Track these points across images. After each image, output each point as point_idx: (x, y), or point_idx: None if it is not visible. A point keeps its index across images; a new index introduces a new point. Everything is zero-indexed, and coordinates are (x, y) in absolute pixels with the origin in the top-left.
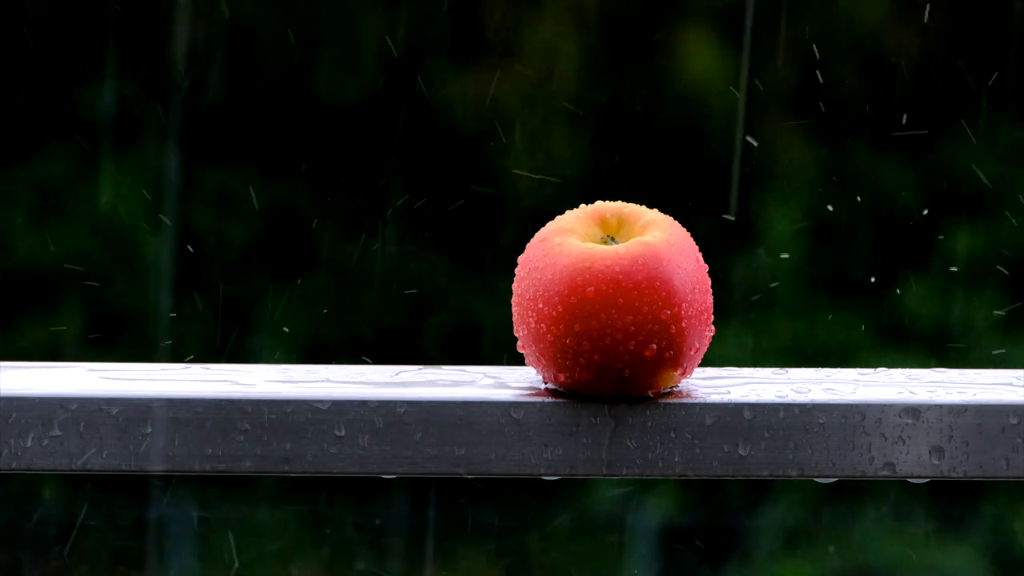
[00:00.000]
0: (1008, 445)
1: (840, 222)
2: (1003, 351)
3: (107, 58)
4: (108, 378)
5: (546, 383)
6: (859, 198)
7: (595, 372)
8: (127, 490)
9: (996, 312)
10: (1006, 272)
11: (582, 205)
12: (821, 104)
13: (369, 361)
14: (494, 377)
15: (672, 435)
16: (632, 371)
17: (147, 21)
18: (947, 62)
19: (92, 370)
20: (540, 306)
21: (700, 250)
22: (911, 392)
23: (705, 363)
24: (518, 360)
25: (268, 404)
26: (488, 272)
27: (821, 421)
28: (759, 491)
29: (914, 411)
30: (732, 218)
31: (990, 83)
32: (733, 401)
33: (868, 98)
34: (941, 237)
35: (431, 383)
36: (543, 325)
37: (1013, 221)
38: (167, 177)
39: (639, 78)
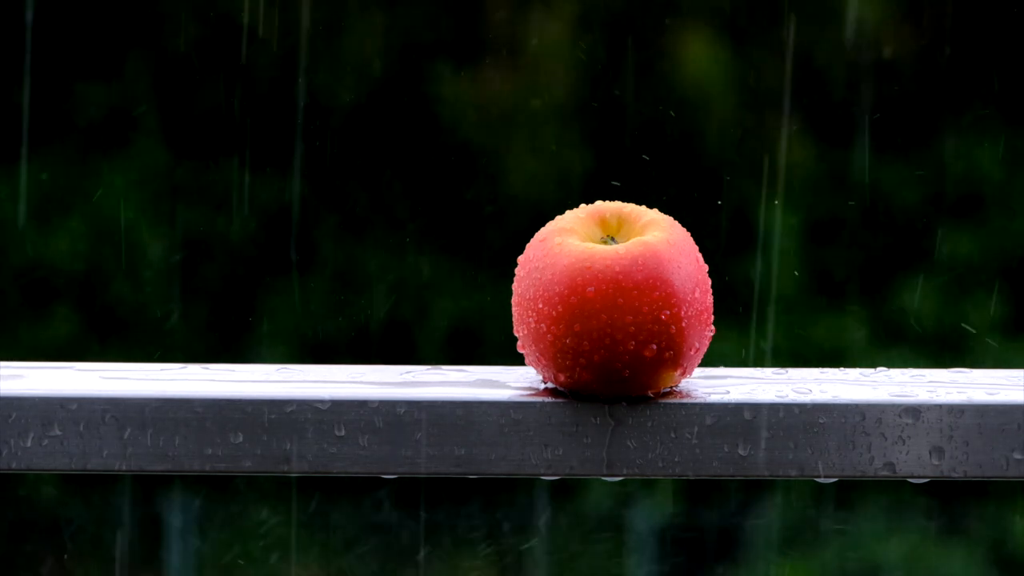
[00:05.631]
0: (1008, 445)
1: (840, 222)
2: (1003, 351)
3: (106, 58)
4: (108, 378)
5: (546, 383)
6: (859, 198)
7: (595, 372)
8: (127, 490)
9: (995, 312)
10: (1006, 272)
11: (582, 205)
12: (821, 104)
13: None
14: (494, 377)
15: (672, 435)
16: (632, 371)
17: (146, 21)
18: (947, 62)
19: (92, 370)
20: (540, 306)
21: (700, 250)
22: (911, 392)
23: (705, 363)
24: (518, 360)
25: (268, 404)
26: (487, 272)
27: (821, 421)
28: (759, 491)
29: (914, 411)
30: (732, 218)
31: (989, 83)
32: (733, 401)
33: (868, 98)
34: (941, 237)
35: (431, 383)
36: (543, 325)
37: (1013, 221)
38: (166, 177)
39: (639, 78)
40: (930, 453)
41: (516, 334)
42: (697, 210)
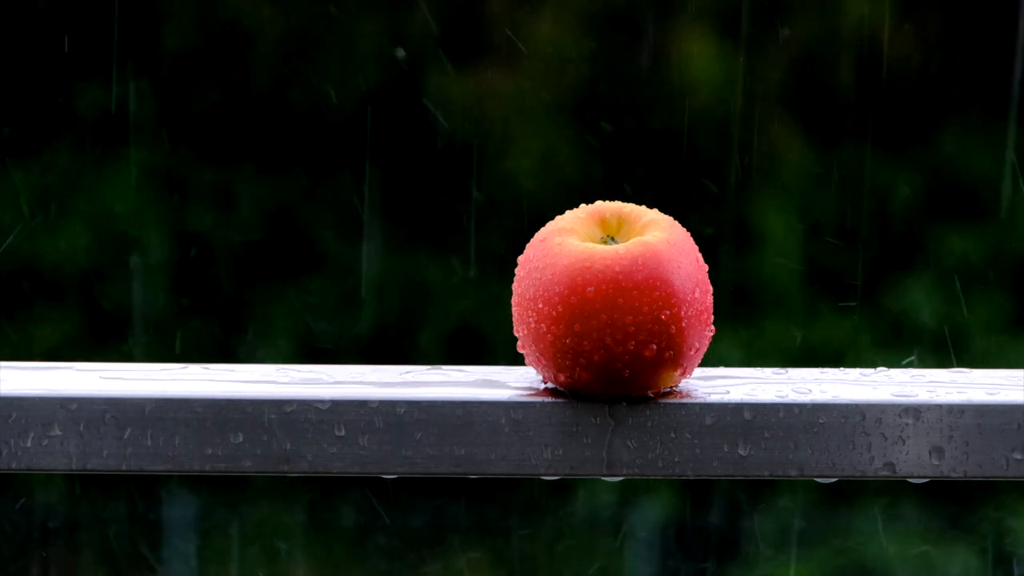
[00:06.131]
0: (1008, 445)
1: (839, 222)
2: (1003, 351)
3: (107, 58)
4: (108, 378)
5: (546, 383)
6: (858, 198)
7: (595, 372)
8: (127, 490)
9: (995, 312)
10: (1005, 272)
11: (582, 205)
12: (820, 104)
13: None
14: (494, 377)
15: (672, 435)
16: (632, 371)
17: (146, 21)
18: (946, 62)
19: (92, 370)
20: (540, 306)
21: (700, 250)
22: (911, 392)
23: (705, 363)
24: (518, 360)
25: (268, 404)
26: (488, 272)
27: (821, 421)
28: (759, 491)
29: (914, 411)
30: (731, 218)
31: (989, 83)
32: (733, 401)
33: (867, 98)
34: (941, 237)
35: (431, 383)
36: (543, 325)
37: (1013, 221)
38: (166, 177)
39: (639, 78)
40: (930, 453)
41: (516, 334)
42: (696, 210)
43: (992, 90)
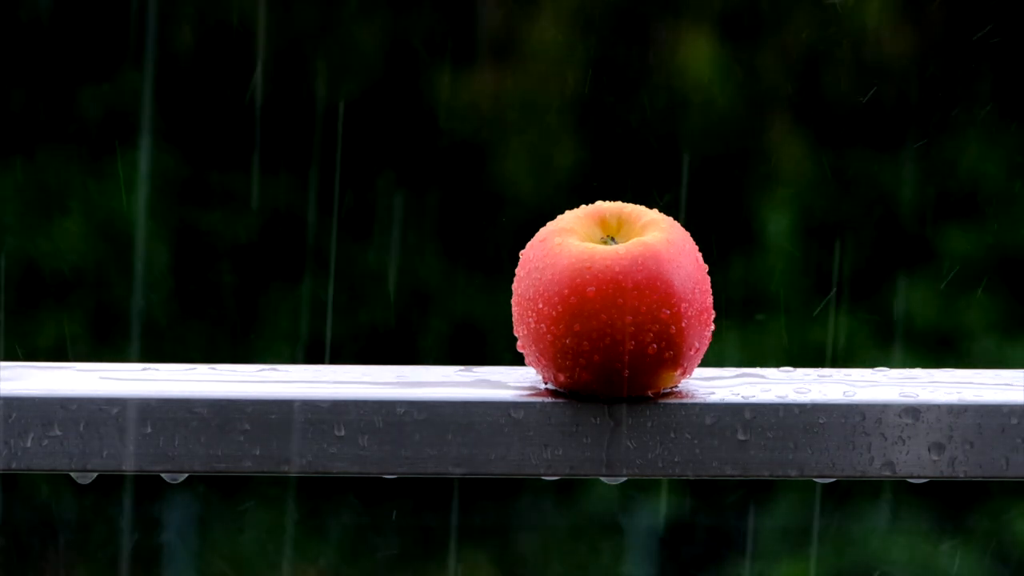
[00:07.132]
0: (1008, 445)
1: (840, 222)
2: (1002, 351)
3: (107, 58)
4: (108, 378)
5: (546, 383)
6: (858, 198)
7: (595, 372)
8: (128, 490)
9: (995, 312)
10: (1005, 272)
11: (582, 205)
12: (820, 105)
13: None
14: (494, 377)
15: (672, 435)
16: (632, 371)
17: (147, 21)
18: (946, 62)
19: (92, 370)
20: (540, 306)
21: (700, 250)
22: (911, 392)
23: (705, 363)
24: (518, 360)
25: (268, 404)
26: (488, 272)
27: (821, 421)
28: (759, 491)
29: (914, 411)
30: (731, 218)
31: (989, 83)
32: (733, 401)
33: (867, 98)
34: (941, 237)
35: (431, 383)
36: (543, 325)
37: (1012, 221)
38: (167, 177)
39: (639, 78)
40: (930, 453)
41: (516, 334)
42: (696, 210)
43: (993, 90)
